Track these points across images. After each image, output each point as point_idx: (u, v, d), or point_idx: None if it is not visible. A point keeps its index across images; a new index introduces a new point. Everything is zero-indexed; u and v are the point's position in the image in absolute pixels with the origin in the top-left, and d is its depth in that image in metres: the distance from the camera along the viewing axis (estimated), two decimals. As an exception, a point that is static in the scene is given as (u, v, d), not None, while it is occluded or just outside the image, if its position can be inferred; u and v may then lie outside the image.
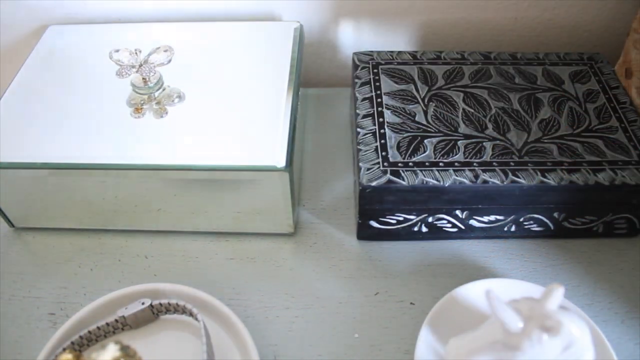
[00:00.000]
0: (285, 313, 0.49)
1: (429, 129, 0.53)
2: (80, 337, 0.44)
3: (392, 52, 0.61)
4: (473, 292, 0.46)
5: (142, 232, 0.55)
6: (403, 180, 0.48)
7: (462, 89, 0.57)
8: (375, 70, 0.59)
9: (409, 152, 0.51)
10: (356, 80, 0.58)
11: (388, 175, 0.49)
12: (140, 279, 0.51)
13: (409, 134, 0.52)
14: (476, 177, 0.49)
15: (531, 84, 0.58)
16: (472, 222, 0.52)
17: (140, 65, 0.53)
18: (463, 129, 0.53)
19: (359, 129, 0.53)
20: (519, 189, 0.49)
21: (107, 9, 0.66)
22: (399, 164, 0.50)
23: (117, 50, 0.54)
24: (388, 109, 0.55)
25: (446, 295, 0.46)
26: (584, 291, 0.50)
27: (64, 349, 0.43)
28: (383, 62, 0.60)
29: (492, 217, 0.52)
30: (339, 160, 0.61)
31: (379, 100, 0.56)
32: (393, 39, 0.70)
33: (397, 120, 0.54)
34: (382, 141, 0.52)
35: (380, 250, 0.53)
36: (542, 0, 0.66)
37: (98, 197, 0.52)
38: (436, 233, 0.53)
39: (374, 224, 0.52)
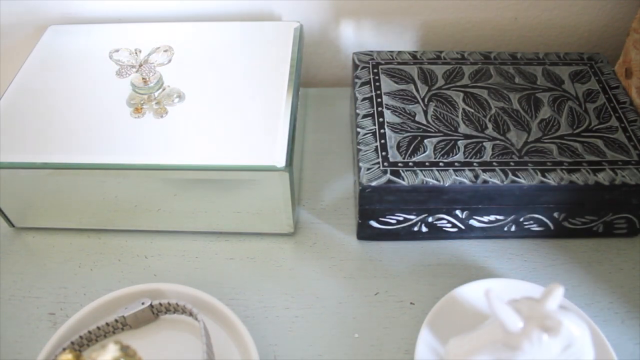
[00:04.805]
0: (285, 313, 0.49)
1: (429, 129, 0.53)
2: (80, 337, 0.44)
3: (392, 52, 0.61)
4: (473, 292, 0.46)
5: (142, 232, 0.55)
6: (403, 180, 0.48)
7: (462, 89, 0.57)
8: (375, 70, 0.59)
9: (409, 152, 0.51)
10: (356, 80, 0.58)
11: (388, 175, 0.49)
12: (140, 279, 0.51)
13: (409, 134, 0.52)
14: (476, 177, 0.49)
15: (531, 84, 0.58)
16: (472, 222, 0.52)
17: (140, 65, 0.53)
18: (463, 128, 0.53)
19: (359, 129, 0.53)
20: (519, 189, 0.49)
21: (107, 9, 0.66)
22: (399, 164, 0.50)
23: (117, 50, 0.54)
24: (388, 108, 0.55)
25: (446, 295, 0.46)
26: (583, 291, 0.50)
27: (64, 349, 0.43)
28: (383, 62, 0.60)
29: (492, 217, 0.52)
30: (339, 160, 0.61)
31: (379, 100, 0.56)
32: (393, 39, 0.70)
33: (397, 120, 0.54)
34: (382, 141, 0.52)
35: (380, 250, 0.53)
36: (542, 0, 0.66)
37: (98, 197, 0.52)
38: (436, 233, 0.53)
39: (374, 224, 0.52)
